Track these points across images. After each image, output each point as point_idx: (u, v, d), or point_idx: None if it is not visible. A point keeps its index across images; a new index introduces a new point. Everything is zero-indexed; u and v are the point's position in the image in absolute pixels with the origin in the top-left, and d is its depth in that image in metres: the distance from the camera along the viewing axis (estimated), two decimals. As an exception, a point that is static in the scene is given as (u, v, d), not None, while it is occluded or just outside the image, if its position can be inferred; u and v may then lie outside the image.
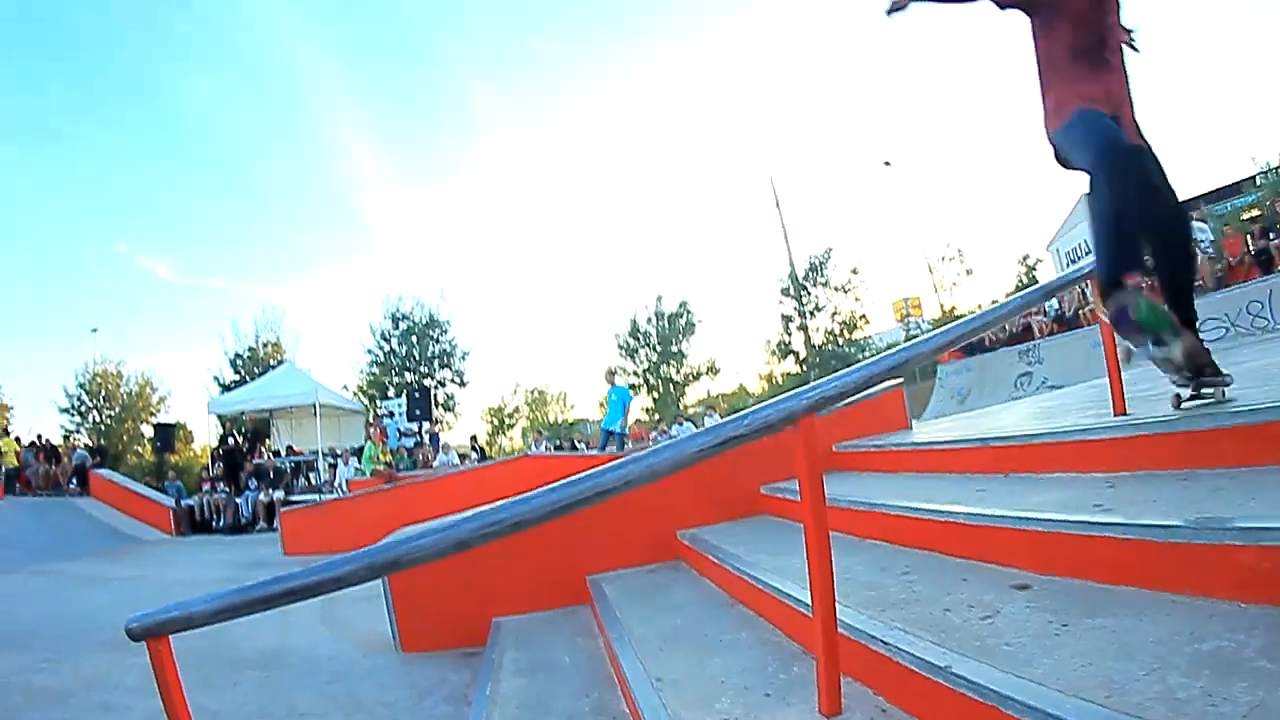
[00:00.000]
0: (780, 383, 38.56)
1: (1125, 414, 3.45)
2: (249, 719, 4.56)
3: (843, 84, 62.36)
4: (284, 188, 52.16)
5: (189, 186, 48.36)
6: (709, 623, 3.52)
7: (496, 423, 44.83)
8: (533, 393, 46.95)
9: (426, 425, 22.43)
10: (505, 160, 57.62)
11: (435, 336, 40.15)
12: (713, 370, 41.65)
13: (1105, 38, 3.29)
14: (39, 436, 25.19)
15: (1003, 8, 3.37)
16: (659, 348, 41.27)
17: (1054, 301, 18.81)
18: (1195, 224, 17.48)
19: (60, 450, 24.24)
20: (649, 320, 41.82)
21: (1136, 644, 1.77)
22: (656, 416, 37.15)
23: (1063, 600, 2.19)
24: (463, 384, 40.41)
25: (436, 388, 36.89)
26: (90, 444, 30.28)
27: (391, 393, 35.47)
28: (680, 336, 41.38)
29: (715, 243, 64.69)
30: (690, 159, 63.74)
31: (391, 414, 24.35)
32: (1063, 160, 3.38)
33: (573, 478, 2.26)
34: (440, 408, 35.97)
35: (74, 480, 21.49)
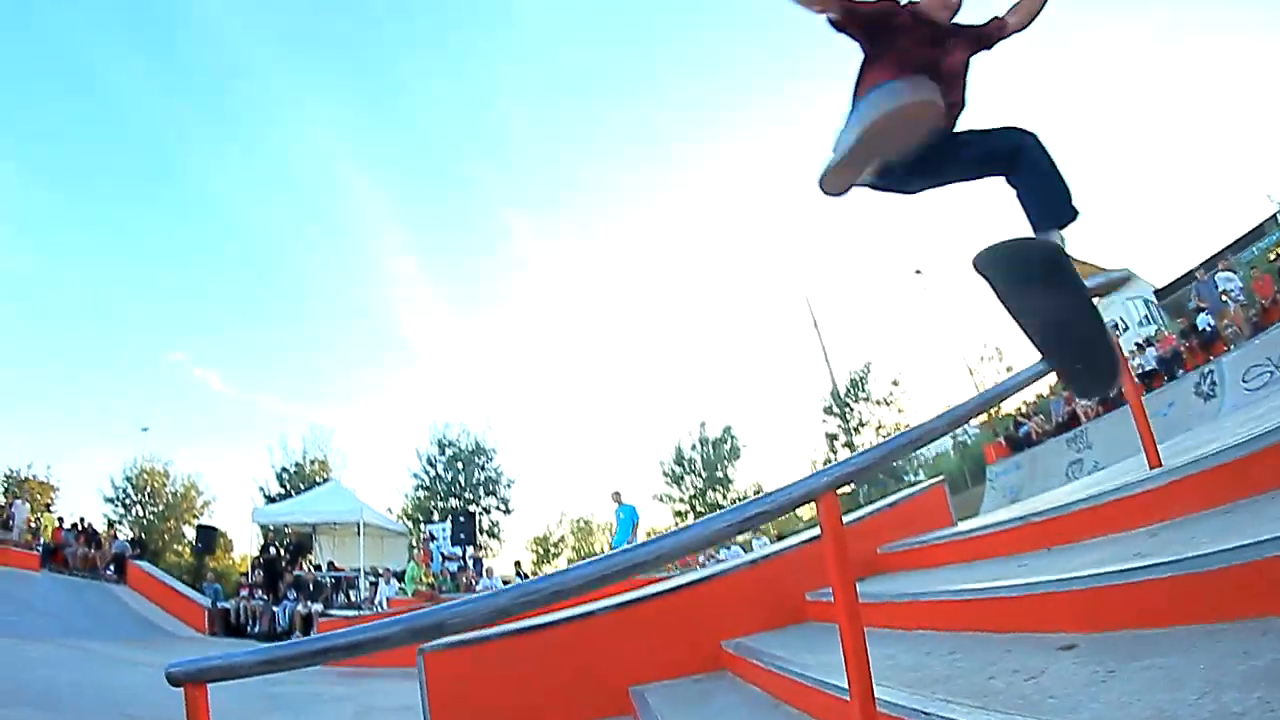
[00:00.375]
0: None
1: (1160, 465, 3.33)
2: None
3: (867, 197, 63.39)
4: (334, 311, 54.29)
5: (247, 306, 51.22)
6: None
7: (541, 551, 44.23)
8: (578, 522, 46.34)
9: (471, 550, 22.17)
10: (545, 287, 58.99)
11: (481, 464, 40.35)
12: (760, 494, 40.89)
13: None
14: (81, 519, 25.54)
15: (839, 29, 3.23)
16: (704, 474, 40.77)
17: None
18: (1223, 275, 17.29)
19: (101, 536, 24.54)
20: (693, 447, 41.49)
21: (1187, 674, 1.65)
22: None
23: (1110, 651, 2.06)
24: (507, 511, 40.29)
25: (481, 514, 36.51)
26: (132, 536, 30.49)
27: (436, 517, 35.26)
28: (725, 461, 40.92)
29: (755, 365, 64.57)
30: (726, 282, 64.61)
31: (434, 537, 24.11)
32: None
33: (606, 554, 2.30)
34: (485, 534, 35.61)
35: (111, 567, 21.65)
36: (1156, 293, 26.44)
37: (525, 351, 59.38)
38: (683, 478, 41.01)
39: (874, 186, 3.38)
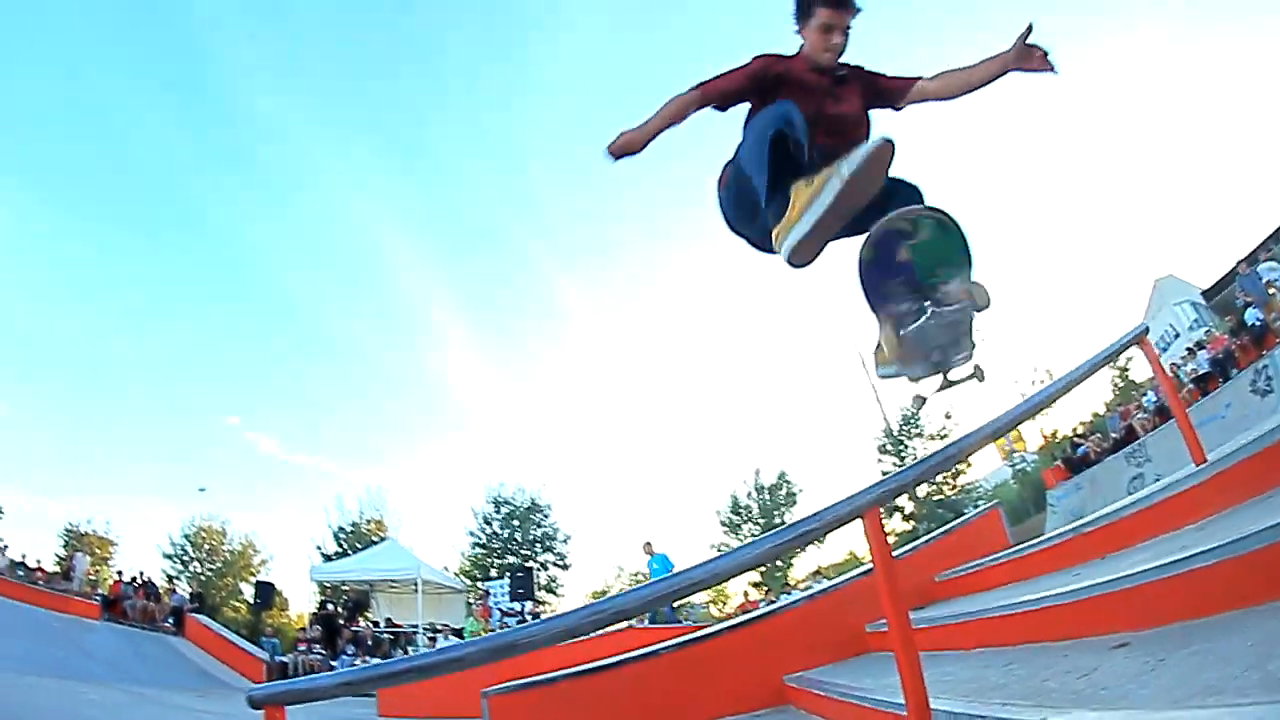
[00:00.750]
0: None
1: (1204, 461, 3.28)
2: None
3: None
4: (384, 374, 55.36)
5: (299, 370, 53.16)
6: None
7: None
8: (635, 575, 46.05)
9: (529, 605, 21.83)
10: (592, 341, 59.49)
11: (537, 520, 40.36)
12: (819, 539, 40.23)
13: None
14: (140, 573, 25.96)
15: (723, 108, 3.20)
16: (761, 521, 40.07)
17: (1151, 394, 18.11)
18: (1266, 266, 16.77)
19: (160, 590, 24.89)
20: (749, 494, 41.14)
21: (1235, 652, 1.65)
22: (765, 588, 35.96)
23: (1161, 644, 2.04)
24: (565, 567, 40.15)
25: (539, 570, 36.46)
26: (190, 591, 30.97)
27: (494, 573, 35.31)
28: (782, 507, 40.27)
29: (807, 408, 64.12)
30: (773, 326, 64.33)
31: (488, 593, 24.01)
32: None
33: (668, 575, 2.35)
34: (543, 589, 35.53)
35: (170, 619, 21.91)
36: (1204, 294, 25.77)
37: (576, 406, 59.76)
38: (740, 526, 40.51)
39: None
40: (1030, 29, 2.67)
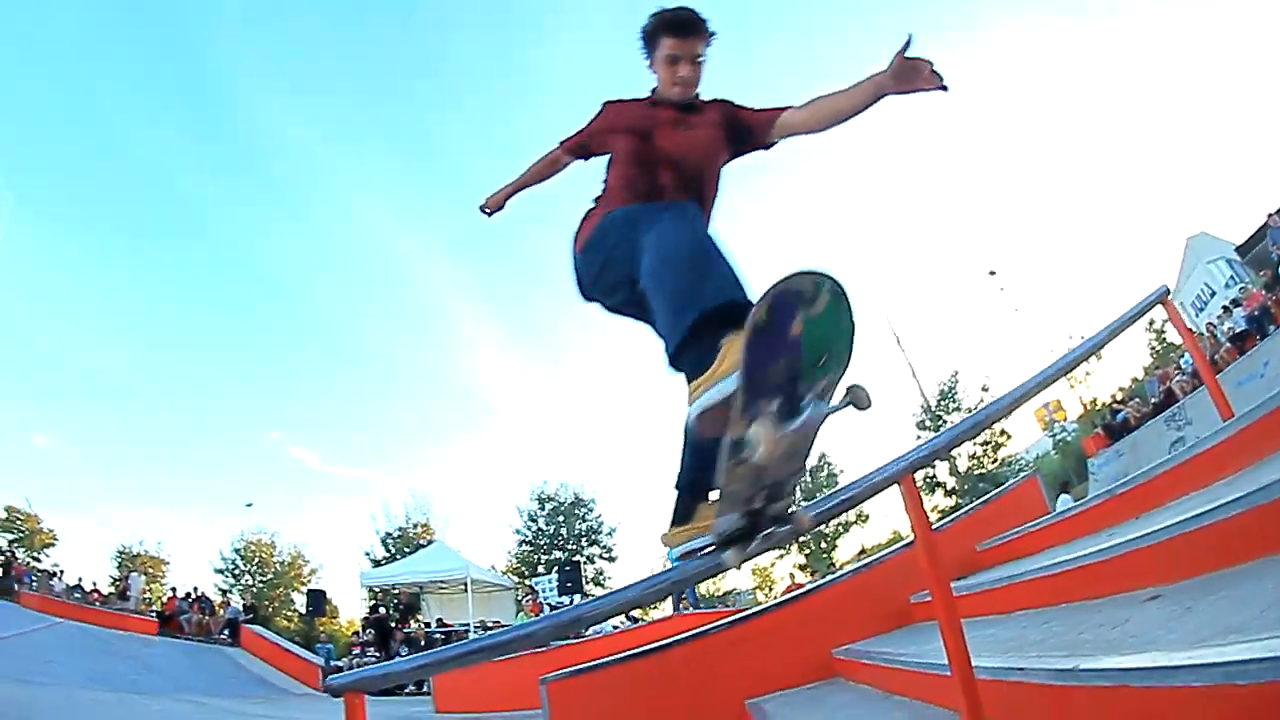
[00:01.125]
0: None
1: (1232, 416, 3.30)
2: None
3: (931, 203, 62.15)
4: (418, 381, 57.72)
5: (336, 385, 55.45)
6: (864, 711, 3.45)
7: None
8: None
9: (578, 599, 21.74)
10: (619, 332, 59.64)
11: (581, 515, 40.76)
12: (862, 519, 40.07)
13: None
14: (194, 588, 26.85)
15: (586, 159, 3.11)
16: (804, 504, 39.93)
17: (1189, 356, 17.74)
18: None
19: (214, 604, 25.67)
20: None
21: (1257, 596, 1.71)
22: (810, 569, 35.89)
23: (1190, 594, 2.09)
24: (611, 559, 40.39)
25: (586, 563, 36.76)
26: (244, 603, 31.22)
27: (541, 570, 35.74)
28: (824, 488, 39.51)
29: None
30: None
31: (535, 590, 24.10)
32: None
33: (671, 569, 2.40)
34: (591, 582, 35.66)
35: (225, 631, 22.50)
36: (1238, 249, 24.93)
37: (610, 397, 60.03)
38: None
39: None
40: (909, 42, 2.26)
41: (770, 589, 39.50)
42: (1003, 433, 36.30)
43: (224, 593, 37.38)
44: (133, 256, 48.75)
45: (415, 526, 40.80)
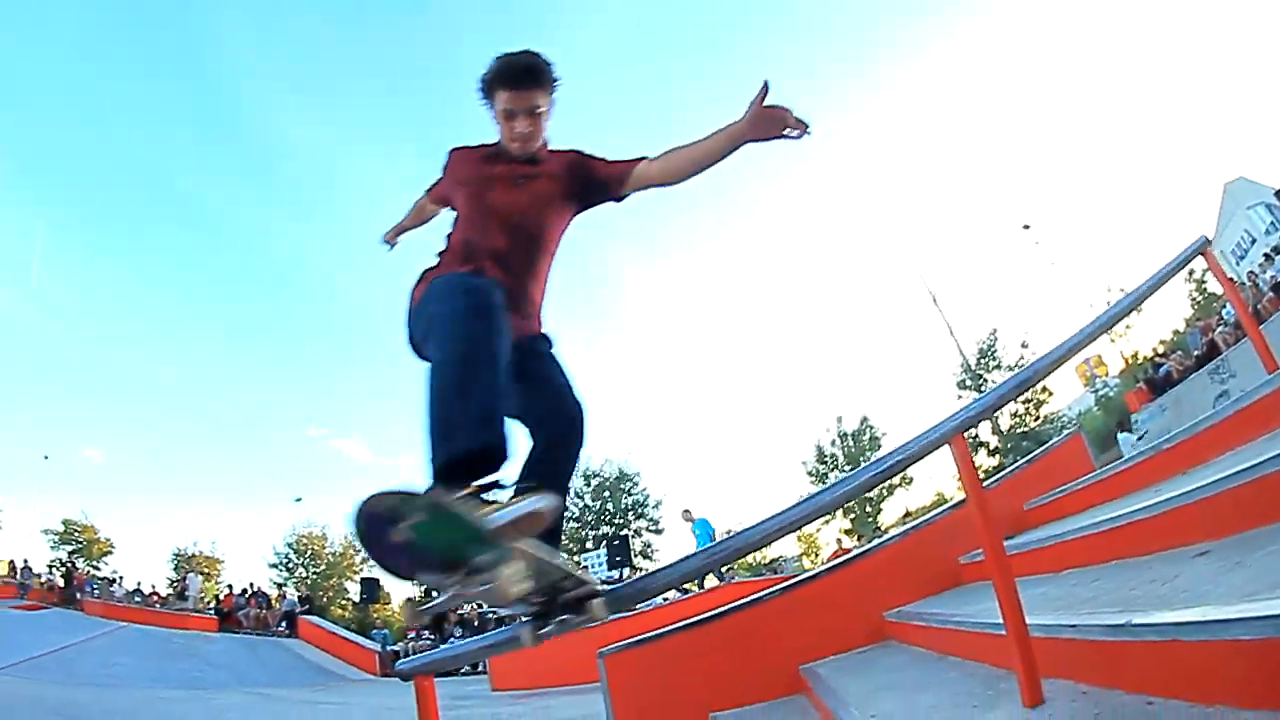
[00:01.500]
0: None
1: (1277, 369, 3.28)
2: None
3: (965, 160, 60.77)
4: None
5: (373, 377, 58.24)
6: (918, 673, 3.46)
7: None
8: (728, 533, 46.06)
9: (627, 572, 22.11)
10: (653, 304, 59.70)
11: (626, 489, 41.01)
12: (906, 482, 39.77)
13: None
14: (250, 584, 28.03)
15: (451, 207, 2.97)
16: (848, 468, 39.13)
17: (1230, 307, 17.33)
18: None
19: (271, 598, 26.65)
20: (833, 442, 40.77)
21: (1305, 550, 1.73)
22: (857, 534, 35.81)
23: (1239, 549, 2.12)
24: (658, 531, 40.42)
25: (634, 536, 36.96)
26: (299, 595, 32.15)
27: (590, 545, 35.99)
28: (867, 452, 39.73)
29: (882, 351, 62.78)
30: (840, 271, 63.12)
31: (586, 565, 24.22)
32: None
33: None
34: (638, 555, 35.80)
35: (283, 624, 23.26)
36: (1277, 194, 24.11)
37: (649, 370, 60.03)
38: (826, 475, 40.10)
39: None
40: (766, 89, 2.28)
41: (816, 555, 39.46)
42: (1044, 390, 35.62)
43: (279, 586, 38.48)
44: (167, 261, 50.31)
45: None
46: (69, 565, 35.67)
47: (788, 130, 2.35)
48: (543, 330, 2.86)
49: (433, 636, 19.60)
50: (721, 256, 60.28)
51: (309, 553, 42.98)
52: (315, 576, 42.20)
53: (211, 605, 26.70)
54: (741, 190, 59.17)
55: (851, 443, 40.39)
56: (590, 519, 40.56)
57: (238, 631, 23.32)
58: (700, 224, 60.28)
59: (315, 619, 23.77)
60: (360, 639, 21.56)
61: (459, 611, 21.09)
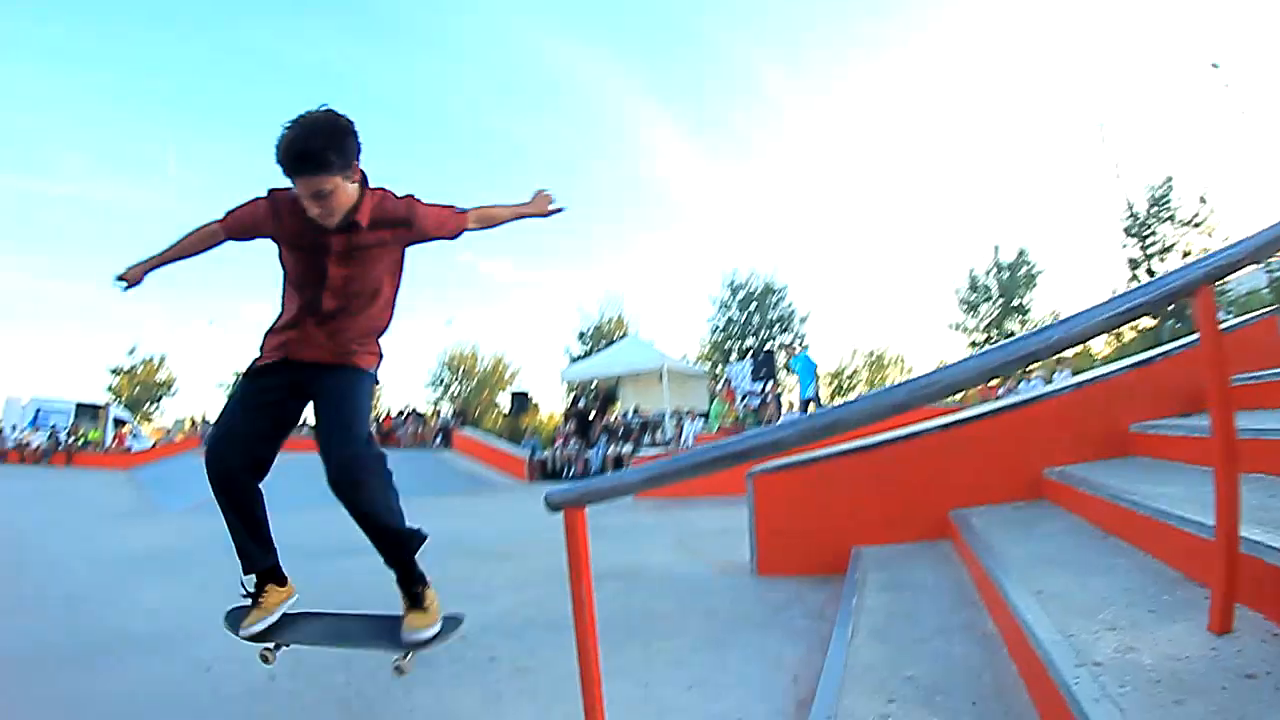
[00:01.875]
0: (1131, 339, 32.89)
1: None
2: (614, 615, 4.74)
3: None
4: (599, 186, 56.97)
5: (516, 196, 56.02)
6: (1083, 550, 3.39)
7: (836, 385, 44.10)
8: (871, 355, 45.81)
9: (770, 385, 21.91)
10: (815, 121, 56.89)
11: (773, 303, 40.74)
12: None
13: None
14: (407, 404, 30.96)
15: (245, 240, 2.99)
16: (1001, 301, 37.79)
17: None
18: None
19: (427, 416, 28.85)
20: (988, 272, 38.53)
21: None
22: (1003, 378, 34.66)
23: None
24: (804, 347, 39.35)
25: (778, 351, 36.20)
26: (453, 410, 34.78)
27: (734, 357, 36.72)
28: (1021, 288, 37.65)
29: (1045, 188, 57.85)
30: (1008, 100, 57.67)
31: (729, 378, 24.56)
32: None
33: (1012, 341, 2.14)
34: (783, 369, 35.99)
35: (438, 438, 25.06)
36: None
37: (802, 186, 58.13)
38: (978, 306, 38.36)
39: None
40: (542, 190, 3.51)
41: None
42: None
43: (434, 404, 41.99)
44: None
45: (610, 322, 42.50)
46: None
47: (555, 210, 3.52)
48: (354, 362, 3.11)
49: (579, 444, 20.55)
50: (882, 75, 55.94)
51: (462, 371, 45.95)
52: (468, 393, 45.10)
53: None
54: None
55: (1007, 275, 37.99)
56: (735, 331, 40.93)
57: (396, 449, 24.87)
58: (852, 36, 55.69)
59: (469, 430, 25.26)
60: (510, 447, 22.77)
61: (605, 420, 21.79)
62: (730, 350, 39.52)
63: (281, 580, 3.17)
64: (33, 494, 17.14)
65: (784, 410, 21.11)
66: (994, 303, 38.08)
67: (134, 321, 66.74)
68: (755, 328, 40.46)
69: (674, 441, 20.17)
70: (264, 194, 2.89)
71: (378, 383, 3.29)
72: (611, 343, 35.47)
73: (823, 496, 5.54)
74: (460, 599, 5.73)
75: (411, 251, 3.13)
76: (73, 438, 31.21)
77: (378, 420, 30.05)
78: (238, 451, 2.98)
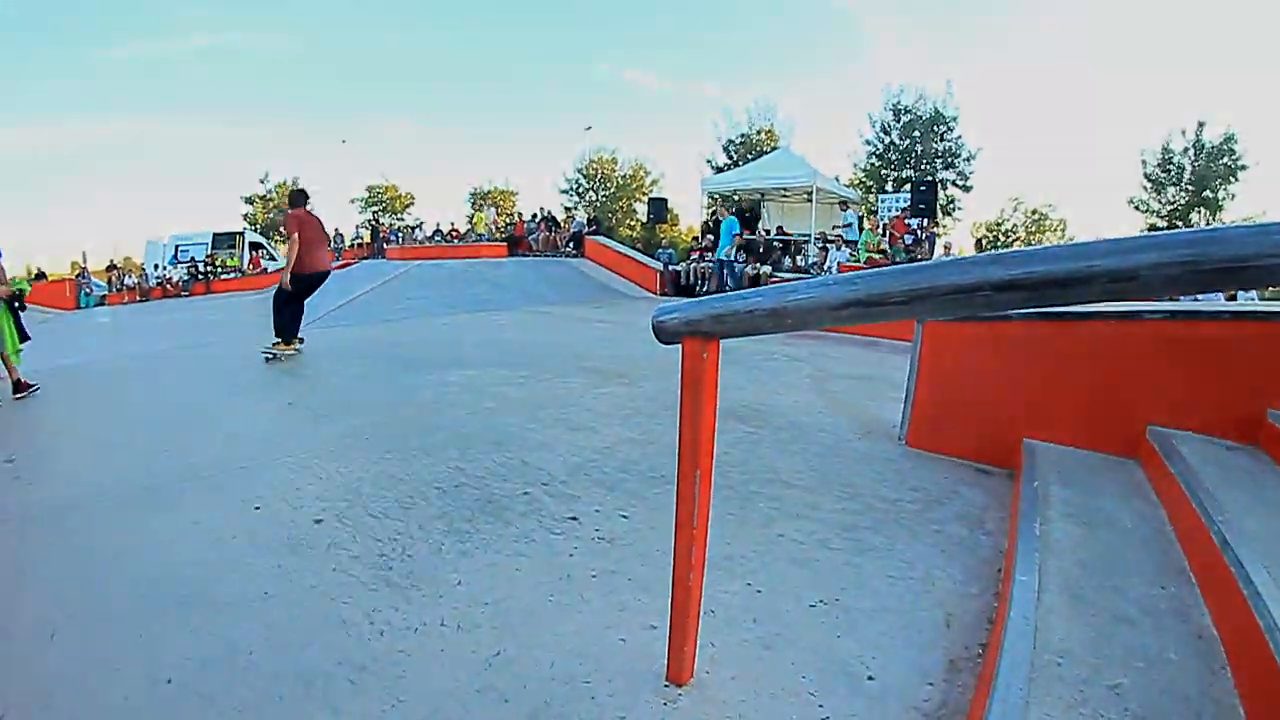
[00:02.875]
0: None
1: None
2: (730, 469, 4.31)
3: None
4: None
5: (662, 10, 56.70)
6: None
7: (991, 238, 38.75)
8: (1033, 213, 39.91)
9: (926, 223, 18.82)
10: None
11: (940, 134, 35.48)
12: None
13: None
14: (541, 208, 29.86)
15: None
16: (1190, 188, 32.01)
17: None
18: None
19: (560, 221, 28.15)
20: (1184, 150, 32.37)
21: None
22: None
23: None
24: (966, 188, 35.74)
25: (940, 187, 31.08)
26: (588, 216, 33.66)
27: (889, 187, 32.78)
28: (1218, 181, 31.42)
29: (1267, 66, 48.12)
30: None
31: (875, 211, 22.00)
32: None
33: None
34: (942, 210, 31.88)
35: (571, 245, 24.41)
36: None
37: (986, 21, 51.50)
38: (1164, 186, 32.87)
39: None
40: None
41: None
42: None
43: (568, 210, 40.62)
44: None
45: (758, 133, 39.18)
46: (374, 223, 39.49)
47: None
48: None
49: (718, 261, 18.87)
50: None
51: (599, 176, 44.30)
52: (605, 199, 43.74)
53: (503, 234, 28.33)
54: None
55: (1206, 161, 31.78)
56: (894, 158, 36.36)
57: (527, 256, 24.69)
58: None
59: (602, 238, 24.09)
60: (643, 257, 21.66)
61: (747, 236, 19.98)
62: (886, 179, 35.19)
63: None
64: (169, 323, 17.26)
65: (936, 252, 18.28)
66: (1181, 188, 32.70)
67: (266, 150, 72.04)
68: (916, 158, 35.62)
69: (816, 268, 18.14)
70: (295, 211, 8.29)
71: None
72: (760, 155, 32.65)
73: (995, 364, 4.52)
74: (559, 426, 5.36)
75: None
76: (209, 267, 31.94)
77: (510, 224, 30.06)
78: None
